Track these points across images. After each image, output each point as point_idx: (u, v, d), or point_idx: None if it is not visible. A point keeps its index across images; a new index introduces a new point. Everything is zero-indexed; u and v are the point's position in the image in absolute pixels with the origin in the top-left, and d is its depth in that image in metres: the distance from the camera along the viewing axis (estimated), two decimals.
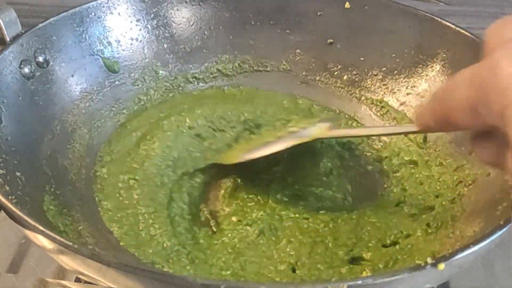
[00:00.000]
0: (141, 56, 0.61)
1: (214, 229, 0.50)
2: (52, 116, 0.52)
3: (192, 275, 0.44)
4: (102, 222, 0.48)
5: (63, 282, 0.49)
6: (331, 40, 0.63)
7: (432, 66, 0.58)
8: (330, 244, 0.47)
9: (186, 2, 0.63)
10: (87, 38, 0.57)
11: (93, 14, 0.57)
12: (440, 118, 0.33)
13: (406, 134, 0.55)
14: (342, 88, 0.63)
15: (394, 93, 0.60)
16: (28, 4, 0.86)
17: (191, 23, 0.64)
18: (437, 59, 0.57)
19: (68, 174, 0.51)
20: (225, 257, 0.46)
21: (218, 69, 0.65)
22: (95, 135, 0.56)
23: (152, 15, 0.62)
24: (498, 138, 0.31)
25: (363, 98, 0.62)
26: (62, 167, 0.50)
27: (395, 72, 0.60)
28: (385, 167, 0.56)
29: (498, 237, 0.35)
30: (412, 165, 0.55)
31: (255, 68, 0.65)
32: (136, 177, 0.52)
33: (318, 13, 0.63)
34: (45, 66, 0.52)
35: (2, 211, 0.37)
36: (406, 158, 0.55)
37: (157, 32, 0.62)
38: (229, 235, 0.48)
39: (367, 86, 0.62)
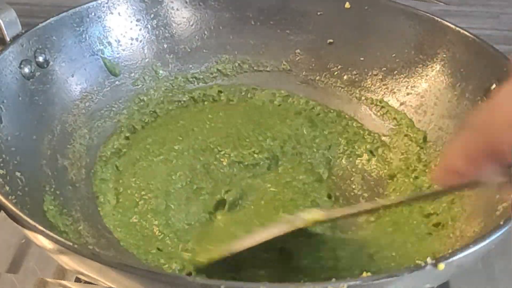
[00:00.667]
0: (141, 56, 0.61)
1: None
2: (52, 116, 0.52)
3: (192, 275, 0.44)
4: (102, 222, 0.49)
5: (63, 282, 0.49)
6: (331, 40, 0.63)
7: (432, 66, 0.58)
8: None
9: (186, 2, 0.63)
10: (87, 38, 0.57)
11: (93, 14, 0.57)
12: (478, 151, 0.27)
13: (416, 201, 0.49)
14: (342, 88, 0.63)
15: (394, 93, 0.60)
16: (28, 4, 0.86)
17: (191, 23, 0.64)
18: (437, 59, 0.57)
19: (68, 174, 0.51)
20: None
21: (218, 69, 0.65)
22: (95, 135, 0.56)
23: (152, 15, 0.62)
24: None
25: (363, 98, 0.62)
26: (62, 167, 0.50)
27: (395, 72, 0.60)
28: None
29: (498, 237, 0.35)
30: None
31: (255, 68, 0.65)
32: (137, 177, 0.52)
33: (318, 13, 0.63)
34: (45, 66, 0.52)
35: (2, 211, 0.37)
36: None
37: (157, 32, 0.62)
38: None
39: (367, 86, 0.62)
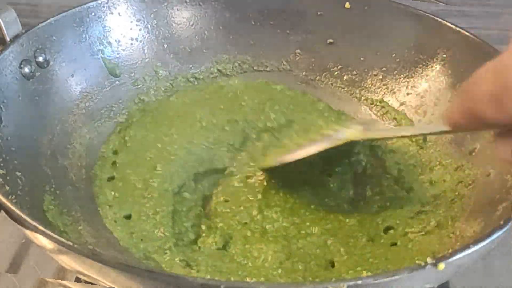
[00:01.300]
0: (141, 56, 0.61)
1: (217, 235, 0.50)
2: (52, 116, 0.52)
3: (192, 275, 0.44)
4: (102, 222, 0.48)
5: (63, 282, 0.49)
6: (331, 40, 0.63)
7: (432, 66, 0.58)
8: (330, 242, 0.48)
9: (186, 2, 0.63)
10: (87, 38, 0.57)
11: (93, 14, 0.57)
12: (468, 113, 0.31)
13: (440, 134, 0.53)
14: (342, 88, 0.63)
15: (394, 93, 0.60)
16: (28, 4, 0.86)
17: (191, 23, 0.64)
18: (437, 59, 0.57)
19: (68, 174, 0.51)
20: (230, 264, 0.46)
21: (218, 69, 0.65)
22: (95, 135, 0.56)
23: (152, 15, 0.62)
24: None
25: (363, 98, 0.62)
26: (62, 167, 0.50)
27: (395, 72, 0.60)
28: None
29: (498, 237, 0.35)
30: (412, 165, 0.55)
31: (255, 68, 0.65)
32: (137, 178, 0.52)
33: (318, 13, 0.63)
34: (45, 66, 0.52)
35: (2, 211, 0.37)
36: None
37: (157, 32, 0.62)
38: (233, 238, 0.48)
39: (367, 86, 0.62)
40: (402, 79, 0.60)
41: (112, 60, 0.59)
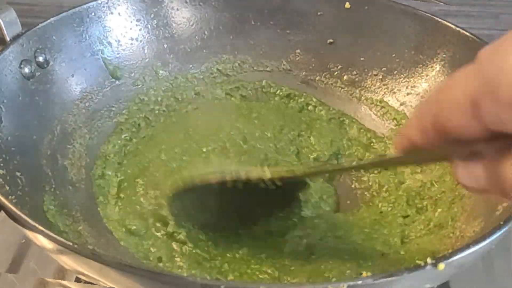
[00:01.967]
0: (141, 56, 0.61)
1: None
2: (52, 116, 0.52)
3: (192, 275, 0.44)
4: (102, 222, 0.48)
5: (63, 282, 0.49)
6: (331, 40, 0.63)
7: (432, 66, 0.58)
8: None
9: (186, 2, 0.63)
10: (87, 38, 0.57)
11: (93, 14, 0.57)
12: (429, 125, 0.27)
13: (384, 165, 0.48)
14: (342, 88, 0.63)
15: (394, 93, 0.60)
16: (28, 4, 0.86)
17: (191, 23, 0.64)
18: (437, 59, 0.57)
19: (68, 174, 0.51)
20: (228, 258, 0.46)
21: (218, 69, 0.65)
22: (95, 135, 0.56)
23: (152, 15, 0.62)
24: (491, 152, 0.26)
25: (363, 98, 0.62)
26: (62, 167, 0.50)
27: (395, 72, 0.60)
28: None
29: (498, 237, 0.35)
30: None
31: (255, 68, 0.65)
32: (137, 177, 0.52)
33: (318, 13, 0.63)
34: (45, 66, 0.52)
35: (2, 211, 0.37)
36: None
37: (157, 32, 0.62)
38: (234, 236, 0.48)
39: (367, 86, 0.62)
40: (402, 79, 0.60)
41: (112, 60, 0.59)
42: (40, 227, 0.34)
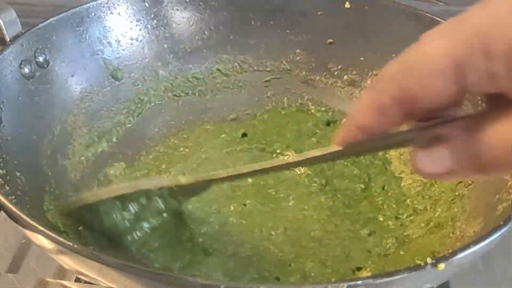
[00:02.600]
0: (141, 56, 0.61)
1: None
2: (52, 116, 0.52)
3: (192, 275, 0.44)
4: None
5: (63, 282, 0.49)
6: (331, 40, 0.63)
7: None
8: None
9: (186, 2, 0.63)
10: (87, 38, 0.57)
11: (93, 14, 0.57)
12: (389, 101, 0.25)
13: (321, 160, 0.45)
14: (342, 88, 0.63)
15: None
16: (28, 4, 0.86)
17: (191, 23, 0.64)
18: None
19: (68, 174, 0.51)
20: (227, 264, 0.46)
21: (218, 69, 0.65)
22: (95, 135, 0.56)
23: (152, 15, 0.62)
24: (458, 131, 0.25)
25: None
26: (62, 167, 0.50)
27: None
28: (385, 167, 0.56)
29: (498, 237, 0.34)
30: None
31: (255, 68, 0.65)
32: (137, 177, 0.52)
33: (318, 13, 0.63)
34: (45, 66, 0.52)
35: (2, 211, 0.37)
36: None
37: (157, 32, 0.62)
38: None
39: (367, 86, 0.62)
40: None
41: (112, 60, 0.59)
42: (40, 227, 0.34)
